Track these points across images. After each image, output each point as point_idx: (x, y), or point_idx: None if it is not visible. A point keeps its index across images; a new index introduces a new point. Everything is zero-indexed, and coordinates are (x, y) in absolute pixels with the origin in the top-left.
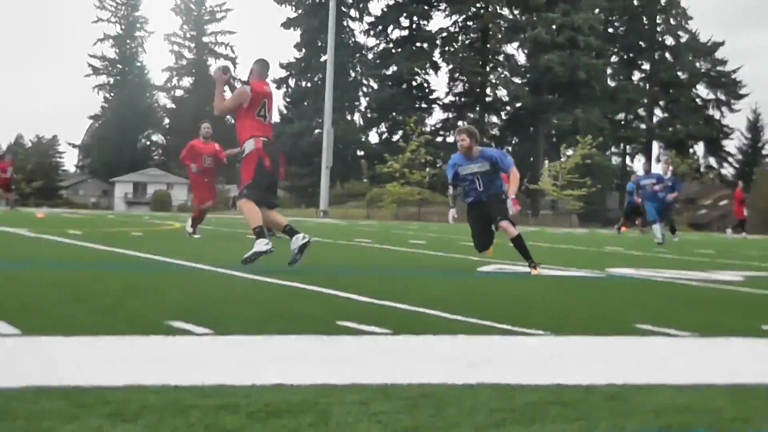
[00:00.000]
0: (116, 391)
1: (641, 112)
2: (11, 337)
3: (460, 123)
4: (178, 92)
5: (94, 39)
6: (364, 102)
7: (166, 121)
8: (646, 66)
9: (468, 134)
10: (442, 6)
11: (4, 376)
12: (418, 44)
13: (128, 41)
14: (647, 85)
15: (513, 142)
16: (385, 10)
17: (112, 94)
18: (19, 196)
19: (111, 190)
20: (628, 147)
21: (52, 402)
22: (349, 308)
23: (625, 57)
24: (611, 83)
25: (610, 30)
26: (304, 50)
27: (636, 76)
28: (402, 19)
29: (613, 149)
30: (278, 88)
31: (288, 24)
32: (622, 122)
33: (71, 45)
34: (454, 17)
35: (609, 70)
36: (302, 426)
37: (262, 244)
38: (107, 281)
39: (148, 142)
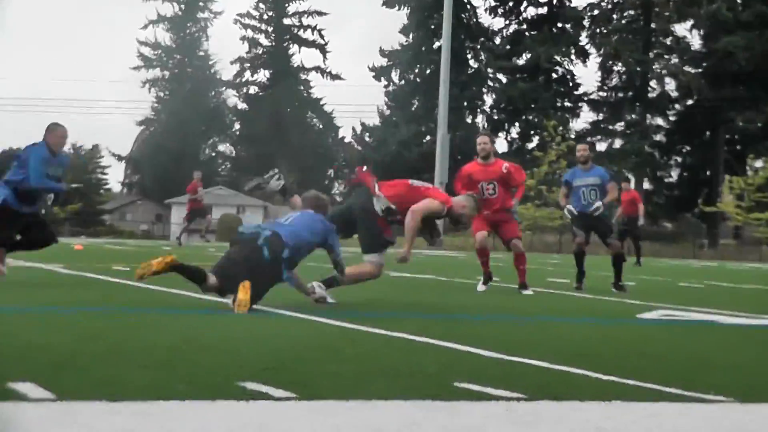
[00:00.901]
0: None
1: None
2: (42, 402)
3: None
4: (252, 89)
5: (144, 20)
6: (489, 100)
7: (237, 126)
8: None
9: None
10: None
11: None
12: (559, 25)
13: (188, 24)
14: None
15: (683, 150)
16: None
17: (168, 93)
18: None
19: (167, 214)
20: None
21: None
22: (470, 365)
23: None
24: None
25: None
26: (412, 35)
27: None
28: None
29: None
30: (378, 79)
31: (392, 2)
32: None
33: (115, 28)
34: None
35: None
36: None
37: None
38: (162, 331)
39: (214, 153)
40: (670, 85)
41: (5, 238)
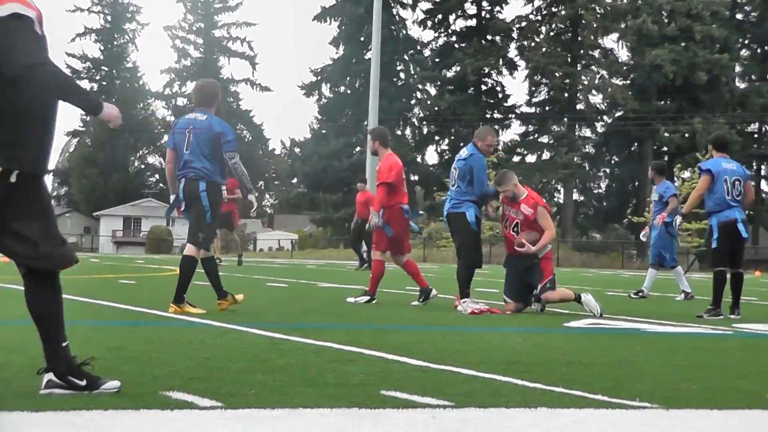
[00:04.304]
0: None
1: None
2: None
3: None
4: (181, 101)
5: (72, 33)
6: (418, 112)
7: (165, 137)
8: None
9: None
10: None
11: None
12: (488, 37)
13: (116, 35)
14: None
15: (612, 161)
16: None
17: None
18: None
19: (95, 226)
20: (763, 167)
21: None
22: (398, 374)
23: (758, 50)
24: (740, 85)
25: (739, 16)
26: (342, 47)
27: None
28: (468, 5)
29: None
30: (308, 96)
31: (323, 15)
32: (756, 135)
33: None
34: (536, 2)
35: (737, 68)
36: None
37: None
38: (87, 342)
39: (143, 166)
40: (597, 97)
41: None
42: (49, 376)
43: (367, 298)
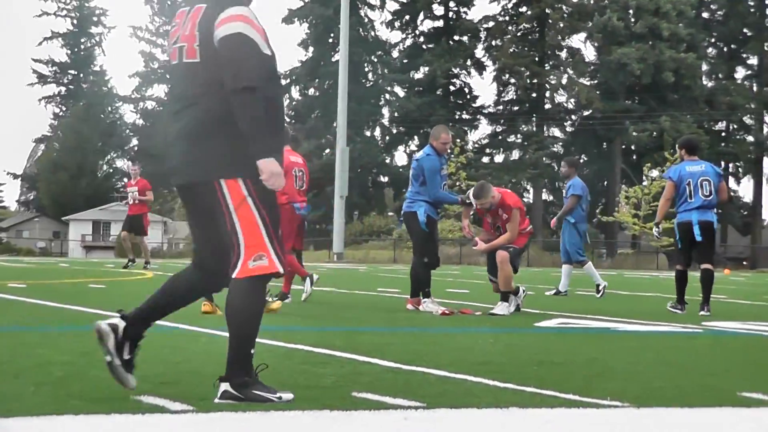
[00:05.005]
0: None
1: (748, 120)
2: None
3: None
4: (150, 104)
5: (38, 38)
6: (387, 113)
7: (134, 141)
8: (753, 60)
9: None
10: None
11: None
12: (456, 38)
13: (82, 39)
14: (754, 85)
15: (581, 161)
16: None
17: (64, 109)
18: None
19: (64, 231)
20: (731, 165)
21: None
22: (369, 376)
23: (724, 49)
24: (707, 83)
25: (705, 14)
26: (311, 49)
27: (740, 73)
28: (435, 5)
29: None
30: None
31: (291, 17)
32: (723, 133)
33: (9, 46)
34: (502, 2)
35: (704, 67)
36: None
37: None
38: (58, 347)
39: (111, 170)
40: (565, 96)
41: None
42: (225, 386)
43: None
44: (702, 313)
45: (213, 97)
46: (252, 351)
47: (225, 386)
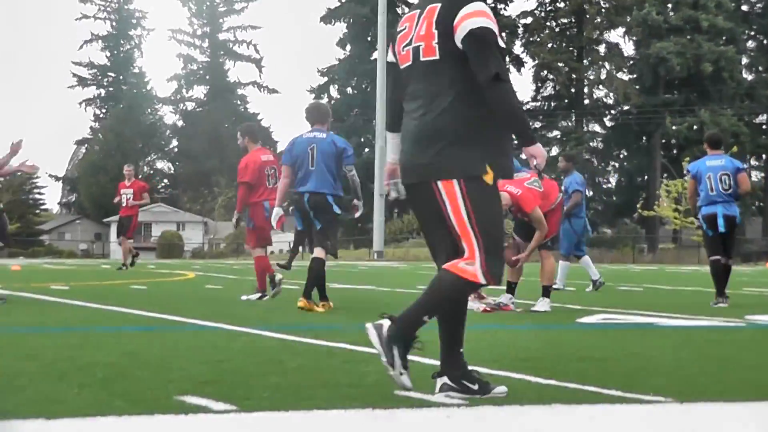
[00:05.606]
0: None
1: None
2: None
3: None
4: (189, 105)
5: (79, 41)
6: None
7: (174, 143)
8: None
9: None
10: None
11: None
12: None
13: (122, 42)
14: None
15: (620, 155)
16: None
17: (104, 111)
18: None
19: (106, 233)
20: None
21: None
22: (412, 374)
23: (764, 42)
24: (747, 76)
25: (744, 7)
26: (349, 48)
27: None
28: None
29: (752, 161)
30: (316, 97)
31: (329, 16)
32: (764, 126)
33: (50, 49)
34: None
35: (744, 60)
36: None
37: None
38: (101, 348)
39: (152, 171)
40: (604, 91)
41: None
42: (444, 379)
43: (259, 294)
44: (720, 305)
45: (448, 96)
46: (461, 348)
47: (443, 379)
